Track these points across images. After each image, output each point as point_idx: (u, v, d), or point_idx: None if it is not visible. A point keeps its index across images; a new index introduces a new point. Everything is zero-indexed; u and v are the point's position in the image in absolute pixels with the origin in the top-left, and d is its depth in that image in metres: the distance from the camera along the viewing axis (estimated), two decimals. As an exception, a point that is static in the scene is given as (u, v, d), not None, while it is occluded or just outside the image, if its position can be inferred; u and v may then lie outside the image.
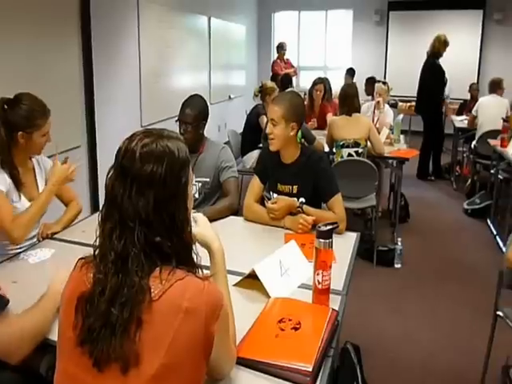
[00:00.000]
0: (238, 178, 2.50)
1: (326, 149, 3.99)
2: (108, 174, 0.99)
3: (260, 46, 9.74)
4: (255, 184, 2.32)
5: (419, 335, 2.80)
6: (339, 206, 2.17)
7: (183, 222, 1.01)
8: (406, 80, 8.63)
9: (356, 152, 3.71)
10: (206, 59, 6.91)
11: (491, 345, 2.20)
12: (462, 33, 7.76)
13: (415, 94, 6.17)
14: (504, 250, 3.00)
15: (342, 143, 3.73)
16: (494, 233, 4.23)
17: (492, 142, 4.62)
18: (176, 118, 2.46)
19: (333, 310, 1.44)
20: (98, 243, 0.98)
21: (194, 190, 2.51)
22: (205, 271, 1.06)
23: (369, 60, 9.25)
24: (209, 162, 2.48)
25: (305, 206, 2.13)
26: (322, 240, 1.46)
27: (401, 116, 6.24)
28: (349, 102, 3.79)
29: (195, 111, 2.41)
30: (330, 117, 4.61)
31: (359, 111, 3.93)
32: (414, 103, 6.69)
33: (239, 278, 1.63)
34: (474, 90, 6.68)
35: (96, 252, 0.98)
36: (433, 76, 5.67)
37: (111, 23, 4.54)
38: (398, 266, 3.61)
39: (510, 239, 2.07)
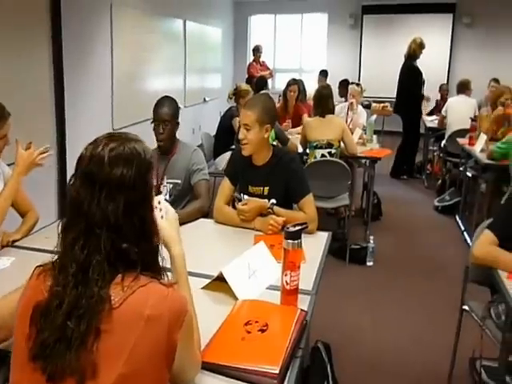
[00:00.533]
0: (208, 180, 2.52)
1: (300, 149, 4.02)
2: (70, 181, 0.97)
3: (236, 49, 9.78)
4: (226, 186, 2.32)
5: (390, 331, 2.85)
6: (310, 207, 2.18)
7: (152, 224, 1.00)
8: (379, 82, 8.80)
9: (329, 153, 3.76)
10: (181, 62, 6.90)
11: (458, 338, 2.26)
12: (433, 36, 7.92)
13: (388, 95, 6.29)
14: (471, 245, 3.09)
15: (315, 144, 3.78)
16: (462, 228, 4.35)
17: (460, 140, 4.75)
18: (151, 120, 2.46)
19: (301, 310, 1.44)
20: (57, 253, 0.96)
21: (165, 191, 2.50)
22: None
23: (343, 62, 9.37)
24: (181, 163, 2.49)
25: (275, 207, 2.14)
26: (290, 241, 1.47)
27: (374, 117, 6.35)
28: (323, 104, 3.83)
29: (171, 110, 2.44)
30: (305, 118, 4.65)
31: (333, 112, 3.98)
32: (387, 104, 6.80)
33: (208, 280, 1.63)
34: (444, 91, 6.84)
35: (55, 262, 0.95)
36: (411, 77, 5.80)
37: (83, 27, 4.49)
38: (370, 263, 3.67)
39: (475, 235, 2.12)
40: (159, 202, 1.21)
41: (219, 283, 1.61)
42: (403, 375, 2.47)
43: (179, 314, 0.93)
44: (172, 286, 0.96)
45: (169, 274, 1.08)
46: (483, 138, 4.27)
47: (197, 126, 7.31)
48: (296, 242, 1.47)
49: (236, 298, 1.54)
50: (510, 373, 2.13)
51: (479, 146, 4.23)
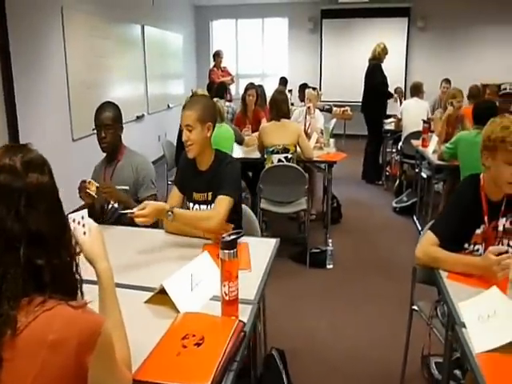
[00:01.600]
0: (156, 194, 2.52)
1: (257, 154, 4.04)
2: None
3: (198, 55, 9.75)
4: (174, 194, 2.31)
5: (347, 332, 2.89)
6: (222, 206, 2.08)
7: (70, 236, 0.98)
8: (340, 86, 8.96)
9: (286, 157, 3.78)
10: (141, 68, 6.81)
11: (409, 337, 2.29)
12: (390, 39, 8.03)
13: (349, 100, 6.39)
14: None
15: (271, 149, 3.79)
16: (419, 228, 4.44)
17: (414, 142, 4.87)
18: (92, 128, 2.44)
19: (239, 321, 1.44)
20: None
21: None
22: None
23: (304, 67, 9.47)
24: (127, 170, 2.50)
25: (176, 210, 2.02)
26: (226, 251, 1.45)
27: (333, 121, 6.45)
28: (278, 108, 3.85)
29: (112, 114, 2.44)
30: (262, 123, 4.67)
31: (288, 117, 4.01)
32: (347, 108, 6.94)
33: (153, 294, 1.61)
34: (400, 93, 7.00)
35: None
36: (375, 79, 5.92)
37: (32, 35, 4.37)
38: (329, 266, 3.72)
39: (420, 237, 2.16)
40: (82, 217, 1.19)
41: (162, 296, 1.59)
42: (359, 376, 2.51)
43: (90, 335, 0.90)
44: (82, 307, 0.92)
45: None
46: (435, 139, 4.40)
47: (162, 133, 7.25)
48: (232, 251, 1.46)
49: (178, 311, 1.53)
50: (459, 367, 2.20)
51: (432, 148, 4.36)
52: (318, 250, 3.77)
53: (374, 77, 5.92)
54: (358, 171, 6.42)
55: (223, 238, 1.48)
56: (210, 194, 2.22)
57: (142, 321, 1.50)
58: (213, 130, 2.18)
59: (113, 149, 2.48)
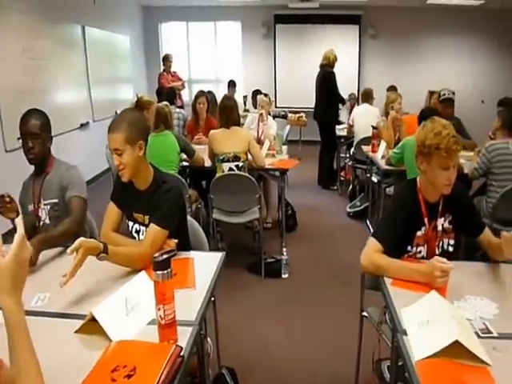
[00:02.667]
0: (82, 197, 2.32)
1: (208, 163, 3.93)
2: None
3: (148, 58, 9.50)
4: (112, 211, 2.15)
5: (302, 343, 2.84)
6: (152, 239, 1.91)
7: None
8: (295, 92, 9.01)
9: (237, 166, 3.71)
10: (83, 72, 6.46)
11: (361, 344, 2.30)
12: (343, 46, 8.26)
13: (304, 106, 6.40)
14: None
15: (222, 157, 3.70)
16: (372, 232, 4.49)
17: (365, 148, 4.93)
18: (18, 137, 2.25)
19: (176, 346, 1.35)
20: None
21: (43, 214, 2.31)
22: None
23: (259, 72, 9.46)
24: (56, 183, 2.32)
25: (110, 248, 1.77)
26: (159, 271, 1.37)
27: (288, 127, 6.45)
28: (227, 115, 3.76)
29: (40, 121, 2.26)
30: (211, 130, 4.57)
31: (239, 124, 3.94)
32: (302, 114, 6.95)
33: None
34: (352, 100, 7.11)
35: None
36: (329, 85, 5.95)
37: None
38: (285, 275, 3.67)
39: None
40: None
41: (94, 324, 1.46)
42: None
43: None
44: None
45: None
46: (383, 145, 4.47)
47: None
48: (165, 272, 1.37)
49: (111, 340, 1.41)
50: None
51: (380, 153, 4.42)
52: (273, 260, 3.72)
53: (327, 83, 5.95)
54: (314, 177, 6.45)
55: (155, 257, 1.39)
56: (147, 217, 2.06)
57: (72, 353, 1.38)
58: (146, 145, 2.00)
59: (41, 161, 2.30)
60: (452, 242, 2.02)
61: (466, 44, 8.99)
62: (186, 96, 8.66)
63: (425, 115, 3.75)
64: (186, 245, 2.15)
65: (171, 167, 3.65)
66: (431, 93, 6.19)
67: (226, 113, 3.75)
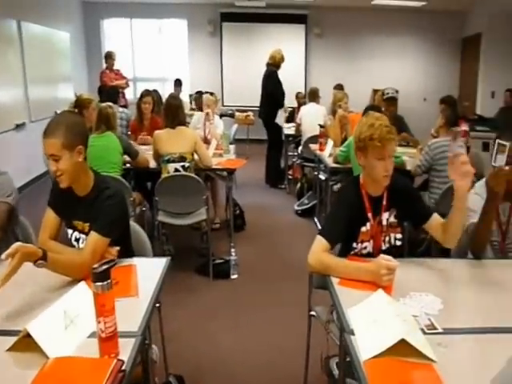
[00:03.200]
0: (7, 202, 2.16)
1: (152, 164, 3.82)
2: None
3: (89, 56, 9.15)
4: (49, 217, 2.02)
5: (252, 344, 2.82)
6: (92, 248, 1.82)
7: None
8: (242, 90, 8.99)
9: (183, 166, 3.62)
10: (19, 70, 6.08)
11: (309, 343, 2.30)
12: (289, 45, 8.36)
13: (252, 104, 6.41)
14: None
15: (167, 158, 3.61)
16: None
17: (312, 146, 5.00)
18: None
19: (117, 360, 1.28)
20: None
21: None
22: None
23: (206, 70, 9.38)
24: None
25: (49, 256, 1.67)
26: (98, 283, 1.30)
27: (235, 126, 6.42)
28: (173, 114, 3.67)
29: None
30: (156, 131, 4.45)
31: (184, 124, 3.85)
32: (250, 113, 6.95)
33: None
34: (300, 99, 7.20)
35: None
36: (273, 85, 5.97)
37: None
38: (234, 276, 3.63)
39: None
40: None
41: (29, 341, 1.36)
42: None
43: None
44: None
45: None
46: (331, 143, 4.55)
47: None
48: (105, 283, 1.30)
49: (48, 357, 1.32)
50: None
51: (328, 151, 4.49)
52: (221, 261, 3.67)
53: (271, 83, 5.98)
54: (262, 176, 6.47)
55: (94, 269, 1.31)
56: (86, 225, 1.95)
57: (4, 373, 1.28)
58: (85, 149, 1.89)
59: None
60: (399, 236, 2.04)
61: (410, 44, 9.37)
62: (131, 95, 8.41)
63: (367, 111, 3.88)
64: (128, 251, 2.06)
65: (114, 169, 3.52)
66: (375, 91, 6.39)
67: (172, 112, 3.66)
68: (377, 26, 9.22)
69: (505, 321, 1.55)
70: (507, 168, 1.85)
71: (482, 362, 1.35)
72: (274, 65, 5.99)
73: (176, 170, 3.60)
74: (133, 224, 2.22)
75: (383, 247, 2.03)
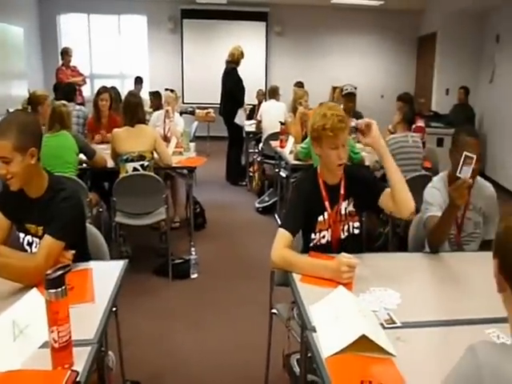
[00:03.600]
0: None
1: (110, 163, 3.73)
2: None
3: (44, 52, 8.82)
4: None
5: (214, 344, 2.80)
6: (44, 252, 1.75)
7: None
8: (203, 87, 8.91)
9: (142, 166, 3.55)
10: None
11: (270, 341, 2.31)
12: (250, 42, 8.35)
13: (212, 101, 6.37)
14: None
15: (126, 157, 3.53)
16: (281, 226, 4.59)
17: (273, 143, 5.03)
18: None
19: (72, 371, 1.24)
20: None
21: None
22: None
23: (166, 68, 9.24)
24: None
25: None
26: (51, 290, 1.25)
27: (196, 123, 6.36)
28: (132, 112, 3.59)
29: None
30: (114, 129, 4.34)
31: (144, 122, 3.78)
32: (210, 110, 6.88)
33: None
34: (260, 96, 7.21)
35: None
36: (233, 82, 5.94)
37: None
38: (194, 276, 3.59)
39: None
40: None
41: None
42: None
43: None
44: None
45: None
46: (291, 140, 4.58)
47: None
48: (59, 290, 1.26)
49: None
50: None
51: (288, 148, 4.53)
52: (181, 260, 3.62)
53: (231, 80, 5.96)
54: (222, 173, 6.44)
55: (47, 275, 1.26)
56: (40, 228, 1.87)
57: None
58: (39, 151, 1.79)
59: None
60: (357, 224, 2.08)
61: (368, 42, 9.54)
62: (88, 92, 8.17)
63: None
64: (84, 255, 2.00)
65: (69, 169, 3.42)
66: (334, 88, 6.48)
67: (131, 110, 3.58)
68: (336, 24, 9.35)
69: (461, 313, 1.60)
70: (470, 181, 1.91)
71: (440, 354, 1.39)
72: (233, 62, 5.97)
73: (135, 169, 3.53)
74: (89, 226, 2.16)
75: (342, 236, 2.06)
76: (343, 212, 2.03)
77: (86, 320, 1.50)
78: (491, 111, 7.40)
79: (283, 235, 1.90)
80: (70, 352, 1.30)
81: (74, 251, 1.85)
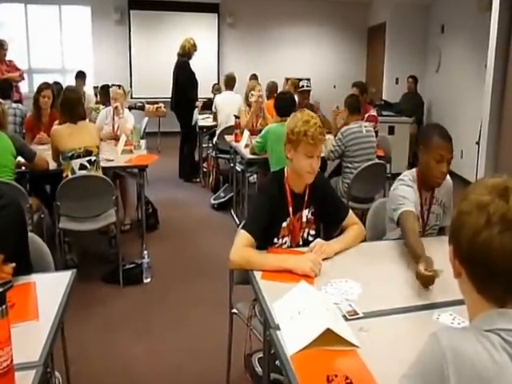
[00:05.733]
0: None
1: (52, 165, 3.47)
2: None
3: (-22, 45, 8.20)
4: None
5: (168, 352, 2.64)
6: None
7: None
8: (152, 81, 8.61)
9: (89, 161, 3.32)
10: None
11: (231, 341, 2.22)
12: (201, 35, 8.10)
13: (162, 95, 6.16)
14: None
15: (70, 154, 3.28)
16: (237, 222, 4.47)
17: (228, 137, 4.88)
18: None
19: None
20: None
21: None
22: None
23: (113, 61, 8.87)
24: None
25: None
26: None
27: (146, 119, 6.12)
28: (71, 109, 3.35)
29: None
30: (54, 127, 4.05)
31: (84, 118, 3.55)
32: (161, 104, 6.67)
33: None
34: (217, 90, 7.04)
35: None
36: (185, 75, 5.75)
37: None
38: (147, 280, 3.40)
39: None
40: None
41: None
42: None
43: None
44: None
45: None
46: (247, 133, 4.47)
47: None
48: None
49: None
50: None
51: (244, 142, 4.41)
52: (133, 265, 3.41)
53: (182, 74, 5.77)
54: (175, 170, 6.24)
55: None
56: None
57: None
58: None
59: None
60: (313, 232, 2.10)
61: (319, 33, 9.53)
62: (26, 88, 7.69)
63: (282, 99, 3.96)
64: (27, 266, 1.84)
65: (6, 173, 3.14)
66: (287, 79, 6.45)
67: (69, 107, 3.35)
68: (287, 15, 9.28)
69: (421, 298, 1.61)
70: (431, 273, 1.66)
71: (403, 341, 1.39)
72: (184, 55, 5.77)
73: (82, 166, 3.30)
74: (31, 235, 1.99)
75: (300, 242, 2.07)
76: (304, 219, 2.06)
77: (29, 340, 1.37)
78: (439, 99, 7.60)
79: (244, 236, 1.87)
80: (10, 378, 1.17)
81: (14, 264, 1.68)
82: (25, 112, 4.62)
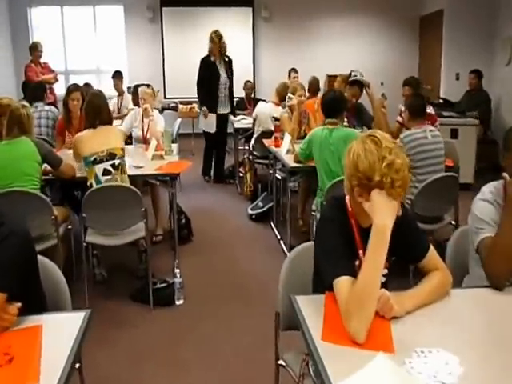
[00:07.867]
0: None
1: (79, 172, 3.22)
2: None
3: (16, 48, 8.20)
4: None
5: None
6: None
7: None
8: (185, 80, 8.31)
9: (113, 165, 3.05)
10: None
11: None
12: (235, 30, 7.84)
13: (196, 96, 5.91)
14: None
15: (93, 158, 3.01)
16: (278, 237, 4.09)
17: (266, 142, 4.50)
18: None
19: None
20: None
21: None
22: None
23: (146, 60, 8.75)
24: None
25: None
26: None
27: (179, 120, 5.86)
28: (95, 114, 3.12)
29: None
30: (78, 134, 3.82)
31: (111, 123, 3.30)
32: (195, 105, 6.42)
33: None
34: (249, 88, 6.69)
35: None
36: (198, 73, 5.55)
37: None
38: (179, 302, 3.07)
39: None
40: None
41: None
42: None
43: None
44: None
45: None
46: (288, 138, 4.07)
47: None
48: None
49: None
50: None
51: (285, 148, 4.02)
52: (164, 284, 3.09)
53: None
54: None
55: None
56: None
57: None
58: None
59: None
60: (385, 271, 1.60)
61: (363, 25, 8.90)
62: (62, 89, 7.61)
63: (328, 100, 3.51)
64: (37, 303, 1.57)
65: (30, 182, 2.91)
66: (329, 77, 5.96)
67: (93, 113, 3.12)
68: (328, 6, 8.72)
69: None
70: None
71: None
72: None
73: (106, 171, 3.03)
74: (45, 262, 1.74)
75: None
76: None
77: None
78: (510, 96, 6.70)
79: (344, 282, 1.39)
80: None
81: (19, 304, 1.42)
82: (57, 115, 4.45)
